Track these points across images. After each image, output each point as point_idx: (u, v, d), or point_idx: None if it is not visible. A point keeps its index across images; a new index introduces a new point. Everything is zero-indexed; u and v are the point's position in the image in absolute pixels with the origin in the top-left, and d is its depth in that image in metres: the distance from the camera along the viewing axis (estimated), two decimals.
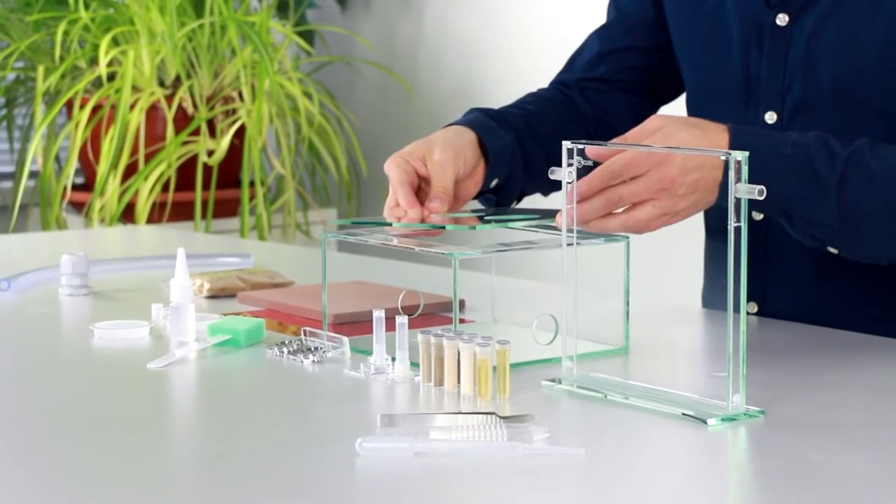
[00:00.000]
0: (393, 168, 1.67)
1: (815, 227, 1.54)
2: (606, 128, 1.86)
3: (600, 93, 1.88)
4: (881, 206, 1.53)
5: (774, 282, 1.72)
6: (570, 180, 1.41)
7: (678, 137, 1.48)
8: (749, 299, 1.73)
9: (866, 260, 1.59)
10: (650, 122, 1.50)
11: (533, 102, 1.86)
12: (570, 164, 1.40)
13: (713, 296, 1.84)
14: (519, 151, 1.74)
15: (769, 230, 1.71)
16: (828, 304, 1.69)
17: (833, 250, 1.58)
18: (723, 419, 1.27)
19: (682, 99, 1.98)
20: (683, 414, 1.29)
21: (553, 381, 1.40)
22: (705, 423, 1.27)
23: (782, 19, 1.69)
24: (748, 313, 1.73)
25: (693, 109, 1.82)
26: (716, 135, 1.52)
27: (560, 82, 1.92)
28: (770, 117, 1.70)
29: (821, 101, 1.67)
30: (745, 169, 1.27)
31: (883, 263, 1.61)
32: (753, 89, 1.72)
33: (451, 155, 1.66)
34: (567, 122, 1.84)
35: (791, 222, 1.55)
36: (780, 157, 1.52)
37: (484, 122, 1.73)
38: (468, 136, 1.70)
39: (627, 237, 1.53)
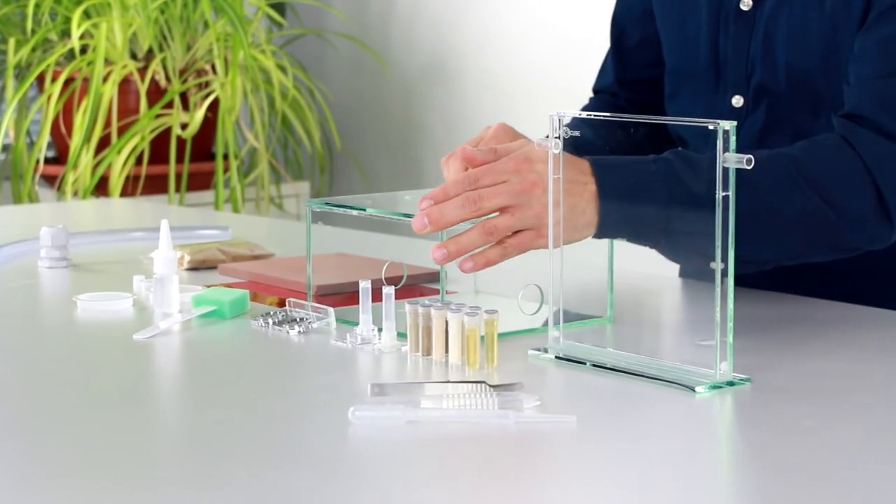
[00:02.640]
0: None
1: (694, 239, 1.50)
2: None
3: (632, 104, 1.89)
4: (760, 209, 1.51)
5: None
6: (556, 150, 1.41)
7: (527, 149, 1.44)
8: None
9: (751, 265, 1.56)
10: (516, 144, 1.48)
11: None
12: (556, 135, 1.41)
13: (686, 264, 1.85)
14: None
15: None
16: (803, 280, 1.70)
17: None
18: (710, 387, 1.28)
19: None
20: (671, 382, 1.29)
21: (539, 350, 1.41)
22: (693, 390, 1.28)
23: (746, 3, 1.70)
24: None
25: (668, 93, 1.83)
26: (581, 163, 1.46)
27: (607, 92, 1.91)
28: (737, 101, 1.72)
29: (779, 86, 1.69)
30: (732, 139, 1.28)
31: (769, 267, 1.60)
32: (721, 73, 1.73)
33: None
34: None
35: (669, 238, 1.48)
36: (649, 173, 1.45)
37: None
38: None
39: None
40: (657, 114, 1.87)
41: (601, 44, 1.97)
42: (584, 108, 1.91)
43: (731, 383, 1.29)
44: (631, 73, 1.89)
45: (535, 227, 1.42)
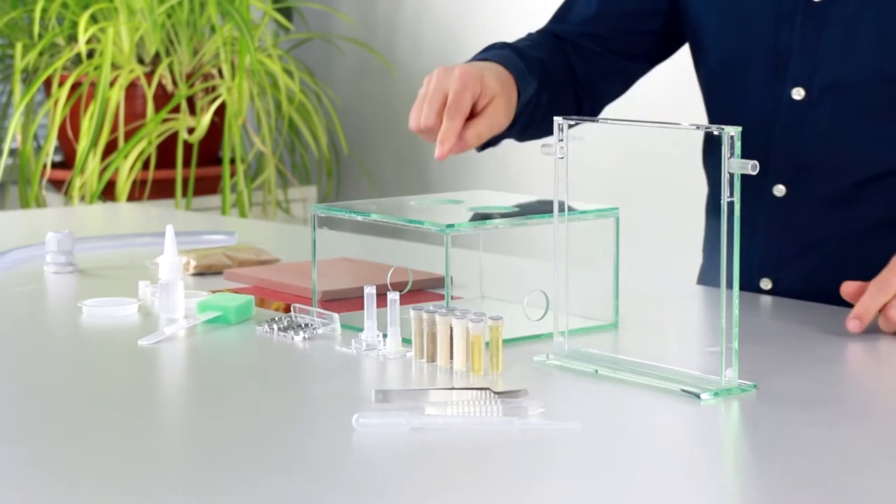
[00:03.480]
0: (465, 77, 1.58)
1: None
2: (593, 89, 1.84)
3: (594, 53, 1.84)
4: None
5: (791, 258, 1.71)
6: (561, 155, 1.41)
7: None
8: (764, 275, 1.73)
9: None
10: None
11: (542, 51, 1.79)
12: (560, 140, 1.40)
13: (709, 273, 1.85)
14: (535, 101, 1.71)
15: (790, 206, 1.70)
16: (842, 280, 1.69)
17: None
18: (715, 393, 1.28)
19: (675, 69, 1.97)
20: (679, 389, 1.29)
21: (544, 356, 1.41)
22: (698, 397, 1.27)
23: None
24: (762, 290, 1.73)
25: (716, 82, 1.78)
26: None
27: (555, 34, 1.86)
28: (797, 93, 1.68)
29: (853, 85, 1.65)
30: (738, 144, 1.27)
31: None
32: (782, 64, 1.69)
33: (504, 101, 1.62)
34: (564, 80, 1.81)
35: None
36: None
37: (519, 66, 1.68)
38: (512, 82, 1.66)
39: (617, 212, 1.54)
40: (598, 82, 1.84)
41: None
42: (535, 41, 1.83)
43: (742, 390, 1.29)
44: (621, 22, 1.84)
45: None
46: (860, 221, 1.68)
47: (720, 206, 1.27)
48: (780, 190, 1.70)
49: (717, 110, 1.80)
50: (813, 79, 1.68)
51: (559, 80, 1.78)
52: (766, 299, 1.71)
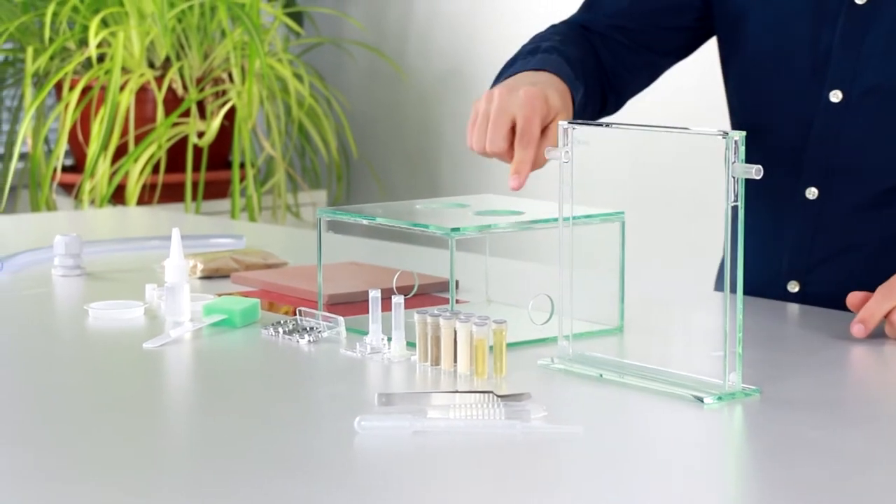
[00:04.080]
0: (533, 101, 1.56)
1: None
2: (620, 81, 1.82)
3: (622, 46, 1.82)
4: None
5: (820, 262, 1.71)
6: (566, 160, 1.41)
7: None
8: (792, 278, 1.72)
9: None
10: None
11: (573, 47, 1.77)
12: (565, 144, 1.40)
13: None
14: (581, 103, 1.71)
15: (822, 208, 1.69)
16: (871, 284, 1.68)
17: None
18: (719, 397, 1.28)
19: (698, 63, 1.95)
20: (682, 393, 1.29)
21: (549, 360, 1.41)
22: (701, 401, 1.27)
23: None
24: (789, 293, 1.72)
25: (749, 80, 1.76)
26: None
27: (582, 25, 1.84)
28: (835, 96, 1.67)
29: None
30: (742, 149, 1.27)
31: None
32: (821, 66, 1.67)
33: (566, 115, 1.62)
34: (593, 74, 1.79)
35: None
36: None
37: (568, 73, 1.67)
38: (567, 93, 1.65)
39: (623, 216, 1.54)
40: (625, 75, 1.83)
41: None
42: (564, 35, 1.81)
43: (746, 394, 1.29)
44: (652, 18, 1.81)
45: None
46: (892, 228, 1.67)
47: (732, 210, 1.27)
48: (812, 193, 1.69)
49: (747, 110, 1.77)
50: (852, 82, 1.66)
51: (591, 74, 1.77)
52: (774, 304, 1.70)
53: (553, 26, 1.85)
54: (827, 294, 1.68)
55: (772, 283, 1.73)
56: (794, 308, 1.69)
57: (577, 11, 1.87)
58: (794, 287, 1.71)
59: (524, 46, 1.77)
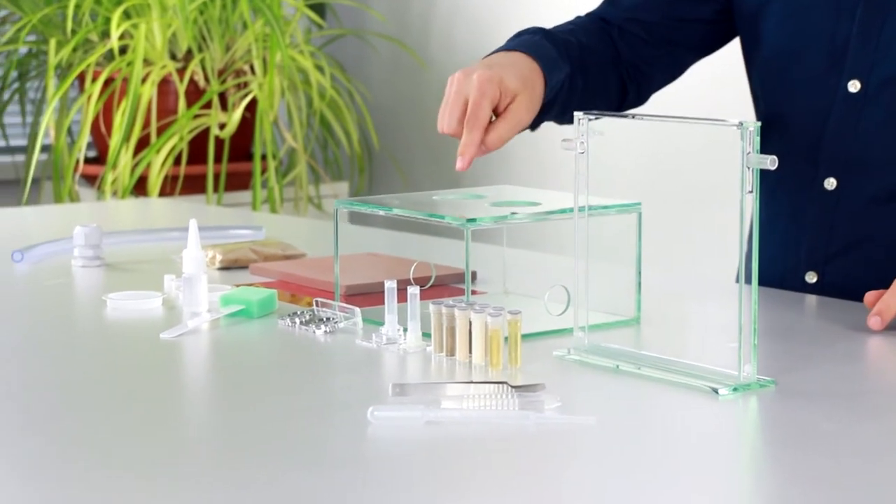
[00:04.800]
0: (483, 84, 1.57)
1: None
2: (640, 74, 1.82)
3: (641, 40, 1.82)
4: None
5: (838, 253, 1.71)
6: (581, 150, 1.41)
7: None
8: (809, 268, 1.72)
9: None
10: None
11: (582, 34, 1.78)
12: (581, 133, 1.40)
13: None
14: (567, 86, 1.70)
15: (840, 199, 1.69)
16: (890, 278, 1.68)
17: None
18: (734, 389, 1.28)
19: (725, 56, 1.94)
20: (697, 384, 1.29)
21: (564, 351, 1.41)
22: (716, 392, 1.27)
23: None
24: (807, 283, 1.72)
25: (770, 72, 1.76)
26: None
27: (601, 17, 1.84)
28: (853, 86, 1.66)
29: None
30: (756, 139, 1.27)
31: None
32: (839, 56, 1.67)
33: (527, 96, 1.61)
34: (607, 64, 1.79)
35: None
36: None
37: (548, 53, 1.67)
38: (537, 72, 1.64)
39: (640, 207, 1.53)
40: (645, 68, 1.83)
41: None
42: (578, 25, 1.81)
43: (761, 385, 1.29)
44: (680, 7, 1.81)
45: None
46: None
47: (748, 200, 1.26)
48: (830, 183, 1.69)
49: (768, 101, 1.77)
50: (870, 72, 1.65)
51: (599, 63, 1.77)
52: (791, 295, 1.70)
53: (575, 17, 1.85)
54: (845, 285, 1.68)
55: (790, 274, 1.73)
56: (811, 299, 1.68)
57: (600, 5, 1.87)
58: (812, 278, 1.71)
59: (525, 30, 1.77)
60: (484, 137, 1.56)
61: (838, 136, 1.68)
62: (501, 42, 1.75)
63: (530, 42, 1.68)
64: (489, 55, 1.68)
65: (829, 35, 1.68)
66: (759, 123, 1.27)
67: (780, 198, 1.75)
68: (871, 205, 1.67)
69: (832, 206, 1.69)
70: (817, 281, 1.71)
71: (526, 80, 1.62)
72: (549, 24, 1.83)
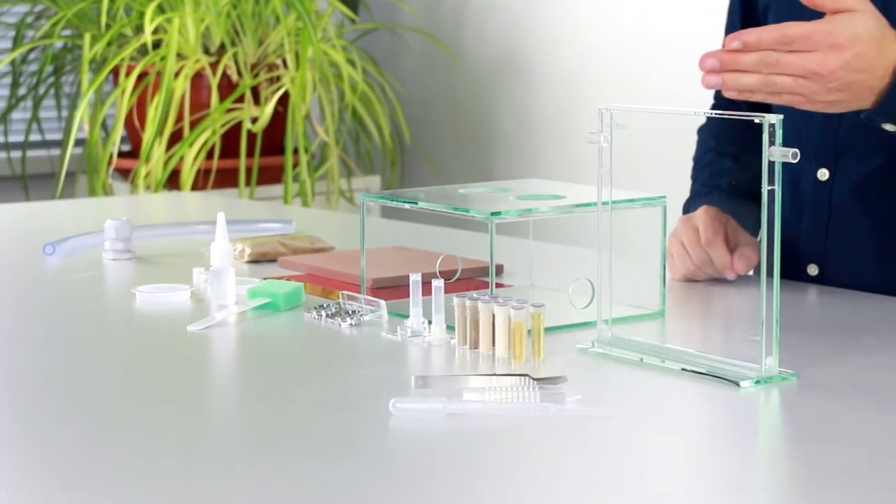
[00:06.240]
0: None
1: None
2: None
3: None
4: None
5: (835, 242, 1.72)
6: (605, 144, 1.41)
7: (857, 25, 1.44)
8: (811, 261, 1.73)
9: None
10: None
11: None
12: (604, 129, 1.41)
13: None
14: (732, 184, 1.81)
15: (833, 189, 1.71)
16: (887, 265, 1.69)
17: None
18: (756, 381, 1.28)
19: None
20: (714, 375, 1.29)
21: (588, 344, 1.41)
22: (738, 385, 1.27)
23: None
24: (809, 276, 1.73)
25: None
26: (889, 43, 1.46)
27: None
28: None
29: None
30: (779, 132, 1.27)
31: None
32: None
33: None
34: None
35: None
36: None
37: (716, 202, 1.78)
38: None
39: (664, 200, 1.54)
40: None
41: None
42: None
43: (783, 378, 1.29)
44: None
45: (808, 98, 1.44)
46: None
47: (769, 194, 1.27)
48: (823, 174, 1.71)
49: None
50: None
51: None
52: (812, 288, 1.70)
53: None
54: (845, 275, 1.70)
55: (792, 267, 1.74)
56: (832, 292, 1.68)
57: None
58: (813, 270, 1.73)
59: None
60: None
61: (825, 126, 1.70)
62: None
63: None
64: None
65: None
66: (782, 117, 1.27)
67: (781, 191, 1.79)
68: (862, 192, 1.69)
69: (826, 196, 1.71)
70: (819, 273, 1.73)
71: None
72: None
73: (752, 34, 1.41)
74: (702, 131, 1.93)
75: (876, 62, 1.44)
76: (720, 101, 1.92)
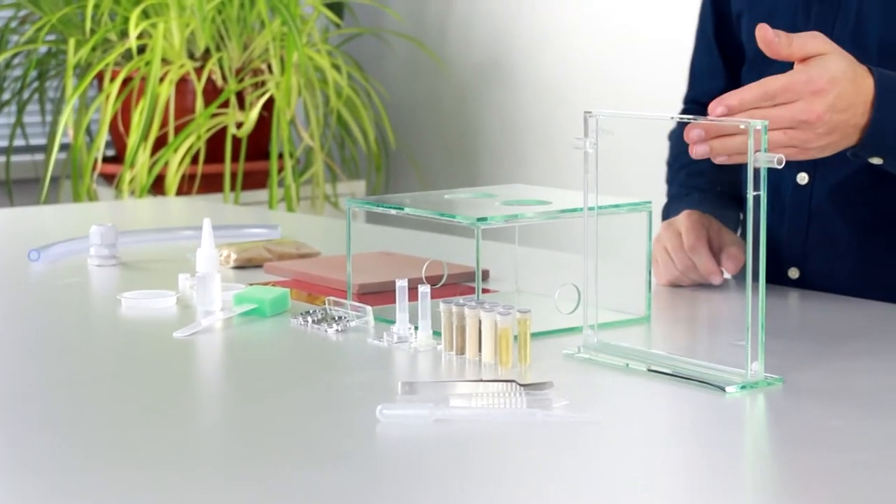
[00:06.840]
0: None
1: None
2: None
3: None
4: None
5: (815, 245, 1.73)
6: (591, 149, 1.41)
7: (832, 68, 1.44)
8: (791, 264, 1.75)
9: None
10: (815, 42, 1.45)
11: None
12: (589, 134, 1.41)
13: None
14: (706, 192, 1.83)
15: (813, 193, 1.72)
16: (865, 268, 1.70)
17: None
18: (741, 386, 1.28)
19: None
20: (701, 381, 1.29)
21: (574, 349, 1.41)
22: (723, 390, 1.28)
23: None
24: (791, 279, 1.74)
25: (750, 77, 1.79)
26: (862, 79, 1.47)
27: (694, 101, 1.94)
28: None
29: (863, 62, 1.66)
30: (764, 138, 1.28)
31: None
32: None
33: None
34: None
35: None
36: None
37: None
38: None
39: (650, 205, 1.54)
40: None
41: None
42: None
43: (768, 383, 1.29)
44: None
45: (801, 148, 1.45)
46: (881, 208, 1.70)
47: (754, 199, 1.27)
48: (802, 178, 1.72)
49: None
50: None
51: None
52: (794, 292, 1.71)
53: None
54: (825, 279, 1.72)
55: (774, 271, 1.75)
56: (814, 296, 1.69)
57: (685, 93, 1.97)
58: (794, 273, 1.75)
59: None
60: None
61: None
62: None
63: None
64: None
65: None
66: (767, 122, 1.28)
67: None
68: (841, 195, 1.71)
69: (806, 200, 1.72)
70: (800, 277, 1.73)
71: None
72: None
73: (733, 97, 1.41)
74: (672, 136, 1.94)
75: (855, 99, 1.45)
76: (689, 108, 1.93)
